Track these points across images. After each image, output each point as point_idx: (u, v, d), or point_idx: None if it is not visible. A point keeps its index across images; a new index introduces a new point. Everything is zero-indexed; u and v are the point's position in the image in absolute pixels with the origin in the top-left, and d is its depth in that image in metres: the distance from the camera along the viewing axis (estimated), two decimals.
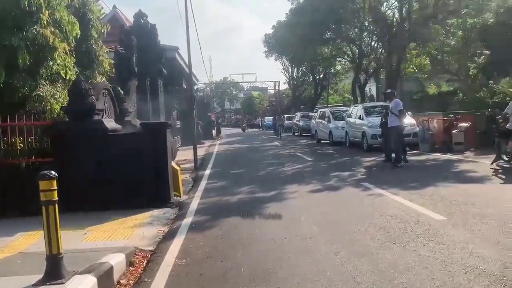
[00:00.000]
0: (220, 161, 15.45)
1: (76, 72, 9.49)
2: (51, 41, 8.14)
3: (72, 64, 9.00)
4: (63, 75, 8.64)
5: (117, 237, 5.81)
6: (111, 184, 7.53)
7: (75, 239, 5.47)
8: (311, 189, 8.21)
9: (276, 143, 23.64)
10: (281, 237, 4.99)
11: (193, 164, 14.05)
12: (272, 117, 40.07)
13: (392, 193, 7.15)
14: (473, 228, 4.85)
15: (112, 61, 12.06)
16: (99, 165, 7.49)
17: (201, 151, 20.89)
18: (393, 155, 10.78)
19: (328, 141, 19.84)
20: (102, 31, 11.46)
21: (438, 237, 4.58)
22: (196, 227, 6.02)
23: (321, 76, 37.43)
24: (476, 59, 20.12)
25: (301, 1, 25.96)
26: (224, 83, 77.84)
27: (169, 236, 5.72)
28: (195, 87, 30.31)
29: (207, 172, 12.37)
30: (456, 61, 22.71)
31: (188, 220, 6.53)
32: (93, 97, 7.79)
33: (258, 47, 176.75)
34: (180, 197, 8.51)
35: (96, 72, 10.99)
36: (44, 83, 8.41)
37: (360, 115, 15.84)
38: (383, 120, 11.73)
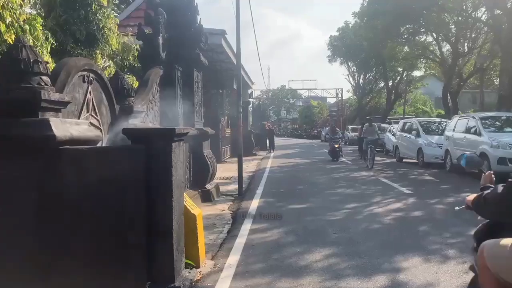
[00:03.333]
0: (274, 183, 11.49)
1: (52, 44, 6.00)
2: None
3: (40, 28, 5.48)
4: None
5: None
6: (61, 244, 3.85)
7: None
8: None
9: (342, 159, 19.28)
10: None
11: (237, 187, 10.24)
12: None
13: None
14: None
15: (127, 40, 8.60)
16: (36, 207, 3.83)
17: (251, 166, 17.08)
18: None
19: (416, 161, 15.23)
20: None
21: None
22: None
23: (396, 81, 32.32)
24: None
25: None
26: (282, 90, 74.10)
27: None
28: (249, 90, 26.61)
29: (255, 203, 8.46)
30: None
31: None
32: (44, 77, 4.15)
33: (318, 57, 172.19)
34: (198, 266, 4.64)
35: (97, 52, 7.52)
36: None
37: (475, 129, 11.20)
38: None
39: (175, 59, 8.86)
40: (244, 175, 14.08)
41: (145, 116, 7.42)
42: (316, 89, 49.99)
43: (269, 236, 5.88)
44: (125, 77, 7.74)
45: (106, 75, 7.77)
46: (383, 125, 27.08)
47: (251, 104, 39.68)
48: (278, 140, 38.44)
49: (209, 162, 9.45)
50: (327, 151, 21.48)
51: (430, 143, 14.53)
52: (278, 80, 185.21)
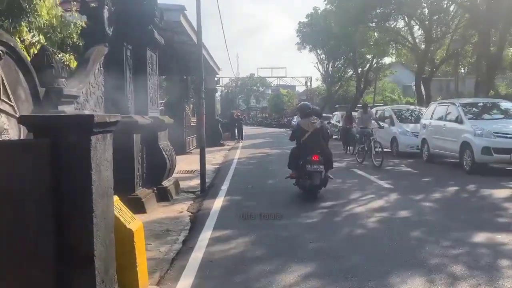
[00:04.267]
0: (241, 177, 10.43)
1: None
2: None
3: None
4: None
5: None
6: None
7: None
8: None
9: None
10: None
11: (200, 182, 9.08)
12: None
13: None
14: None
15: (70, 15, 7.30)
16: None
17: (218, 157, 15.98)
18: None
19: (390, 151, 14.52)
20: None
21: None
22: None
23: (366, 68, 31.70)
24: None
25: None
26: (251, 78, 72.87)
27: None
28: (216, 77, 25.30)
29: (218, 203, 7.38)
30: None
31: None
32: None
33: (287, 45, 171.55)
34: None
35: (23, 24, 6.16)
36: None
37: (457, 117, 10.48)
38: None
39: (124, 36, 7.59)
40: (210, 167, 12.96)
41: (83, 102, 6.19)
42: (285, 77, 49.21)
43: (233, 247, 4.81)
44: (57, 54, 6.45)
45: (36, 51, 6.43)
46: (353, 113, 26.48)
47: (218, 92, 38.32)
48: (247, 129, 37.37)
49: (166, 156, 8.26)
50: None
51: (405, 131, 13.85)
52: (247, 69, 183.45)
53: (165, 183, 8.30)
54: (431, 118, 11.99)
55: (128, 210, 3.78)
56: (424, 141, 12.19)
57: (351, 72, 38.56)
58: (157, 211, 7.07)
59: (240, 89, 75.47)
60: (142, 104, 8.03)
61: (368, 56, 32.36)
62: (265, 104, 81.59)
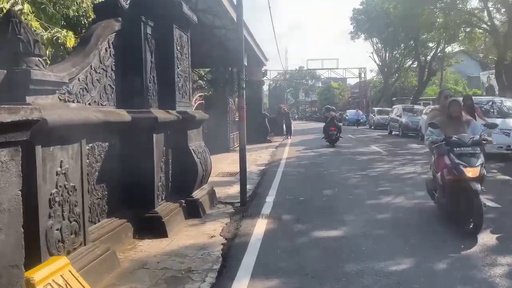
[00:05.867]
0: (290, 185, 8.58)
1: None
2: None
3: None
4: None
5: None
6: None
7: None
8: None
9: (374, 147, 16.24)
10: None
11: (240, 192, 7.30)
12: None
13: None
14: None
15: None
16: None
17: (264, 156, 14.20)
18: None
19: None
20: None
21: None
22: None
23: (429, 57, 28.58)
24: None
25: None
26: (300, 71, 70.40)
27: None
28: (263, 68, 23.47)
29: (261, 226, 5.58)
30: None
31: None
32: None
33: (338, 38, 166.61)
34: None
35: None
36: None
37: None
38: None
39: (142, 8, 5.93)
40: (254, 169, 11.24)
41: (80, 92, 4.56)
42: (337, 68, 46.34)
43: None
44: (49, 29, 4.92)
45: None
46: (416, 106, 23.82)
47: (266, 85, 36.50)
48: (296, 124, 35.34)
49: (197, 160, 6.58)
50: (352, 137, 18.14)
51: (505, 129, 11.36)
52: (296, 63, 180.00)
53: (197, 193, 6.64)
54: None
55: (85, 284, 2.06)
56: None
57: (410, 62, 35.41)
58: (182, 235, 5.42)
59: (288, 82, 73.29)
60: (168, 96, 6.36)
61: (431, 44, 29.28)
62: (314, 98, 78.97)
